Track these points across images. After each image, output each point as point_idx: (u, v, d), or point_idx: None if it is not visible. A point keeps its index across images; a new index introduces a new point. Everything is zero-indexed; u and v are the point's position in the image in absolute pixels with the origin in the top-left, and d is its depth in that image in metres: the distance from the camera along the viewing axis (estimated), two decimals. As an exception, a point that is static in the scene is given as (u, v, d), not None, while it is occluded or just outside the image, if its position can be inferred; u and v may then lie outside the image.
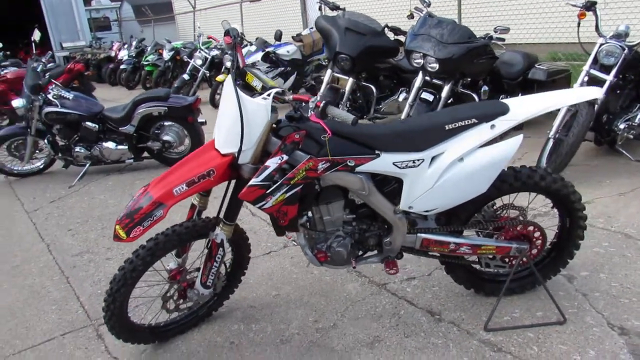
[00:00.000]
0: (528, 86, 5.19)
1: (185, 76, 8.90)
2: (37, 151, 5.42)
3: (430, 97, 4.52)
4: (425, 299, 2.61)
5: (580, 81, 3.95)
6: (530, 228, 2.34)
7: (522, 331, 2.29)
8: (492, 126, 2.06)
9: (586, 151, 4.56)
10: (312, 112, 1.84)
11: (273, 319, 2.57)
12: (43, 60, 5.36)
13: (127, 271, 2.08)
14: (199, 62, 8.90)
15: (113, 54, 13.16)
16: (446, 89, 4.61)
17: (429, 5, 4.72)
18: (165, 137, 5.16)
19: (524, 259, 2.33)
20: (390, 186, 2.16)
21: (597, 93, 2.18)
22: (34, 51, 5.83)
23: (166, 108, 5.01)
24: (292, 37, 8.16)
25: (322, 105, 1.80)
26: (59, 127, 5.08)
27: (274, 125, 2.06)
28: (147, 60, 11.08)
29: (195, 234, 2.19)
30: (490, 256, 2.37)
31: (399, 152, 2.06)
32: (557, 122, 3.89)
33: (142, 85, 11.23)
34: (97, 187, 5.04)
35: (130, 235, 1.93)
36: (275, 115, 1.96)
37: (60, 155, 5.24)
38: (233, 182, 2.13)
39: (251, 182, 1.96)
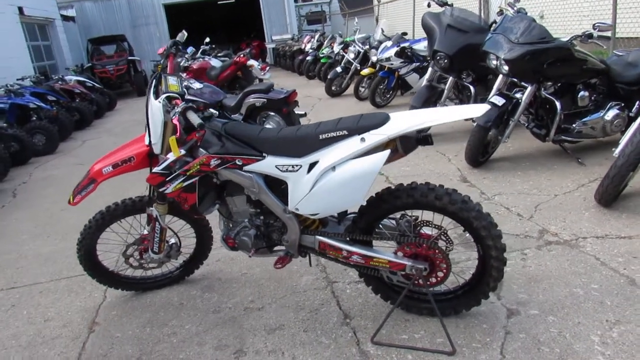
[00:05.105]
0: (656, 93, 4.32)
1: (338, 69, 9.46)
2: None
3: (499, 102, 4.16)
4: (354, 303, 2.65)
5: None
6: (432, 251, 2.22)
7: (405, 351, 2.22)
8: (362, 139, 2.05)
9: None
10: (176, 114, 2.14)
11: (224, 292, 2.93)
12: (186, 56, 6.46)
13: (87, 228, 2.70)
14: (352, 55, 9.36)
15: (303, 46, 14.50)
16: (527, 93, 4.20)
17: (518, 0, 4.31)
18: (267, 125, 5.79)
19: (420, 281, 2.23)
20: (282, 187, 2.32)
21: (481, 110, 1.94)
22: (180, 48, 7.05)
23: (265, 100, 5.62)
24: (433, 33, 8.00)
25: (182, 109, 2.11)
26: (192, 112, 6.13)
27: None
28: (323, 53, 11.98)
29: (138, 206, 2.70)
30: (392, 270, 2.32)
31: (282, 156, 2.21)
32: (624, 139, 3.27)
33: (317, 76, 12.21)
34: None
35: (74, 201, 2.52)
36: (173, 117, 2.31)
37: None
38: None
39: (153, 170, 2.37)
